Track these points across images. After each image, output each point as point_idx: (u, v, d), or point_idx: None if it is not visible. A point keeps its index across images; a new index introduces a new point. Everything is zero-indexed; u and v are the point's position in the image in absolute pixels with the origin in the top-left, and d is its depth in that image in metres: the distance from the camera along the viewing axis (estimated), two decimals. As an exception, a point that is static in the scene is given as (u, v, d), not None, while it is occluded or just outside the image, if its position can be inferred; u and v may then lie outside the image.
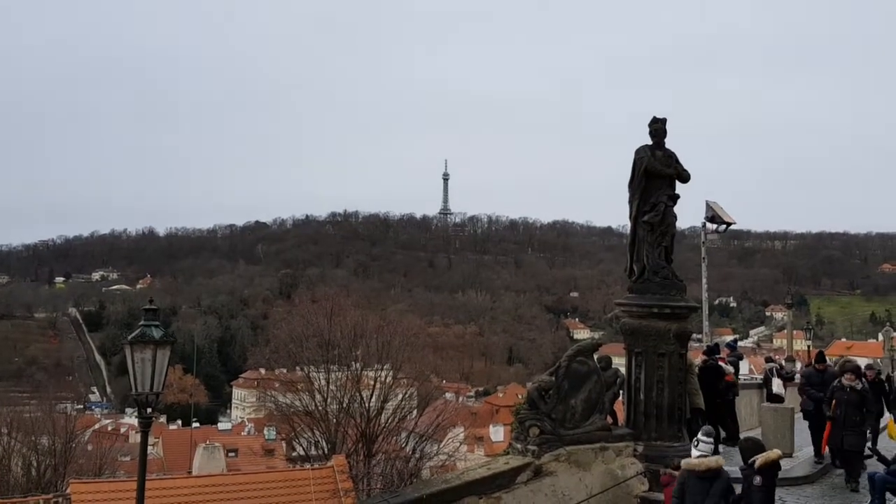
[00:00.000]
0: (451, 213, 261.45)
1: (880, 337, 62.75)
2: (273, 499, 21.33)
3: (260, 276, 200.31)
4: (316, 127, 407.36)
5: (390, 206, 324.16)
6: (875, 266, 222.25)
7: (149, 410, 11.00)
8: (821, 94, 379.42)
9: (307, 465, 28.69)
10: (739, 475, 9.13)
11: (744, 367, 30.99)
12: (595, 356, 11.67)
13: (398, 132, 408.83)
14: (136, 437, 54.46)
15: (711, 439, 9.68)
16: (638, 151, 12.29)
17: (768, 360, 25.31)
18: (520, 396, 62.04)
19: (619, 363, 12.50)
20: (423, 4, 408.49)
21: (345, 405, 34.01)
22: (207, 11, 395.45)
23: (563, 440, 10.81)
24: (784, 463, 10.37)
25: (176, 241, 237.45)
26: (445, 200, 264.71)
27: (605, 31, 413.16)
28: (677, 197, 12.37)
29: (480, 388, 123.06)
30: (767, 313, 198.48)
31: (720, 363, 16.34)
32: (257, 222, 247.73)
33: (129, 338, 10.88)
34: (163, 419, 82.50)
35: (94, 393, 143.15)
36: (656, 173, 12.12)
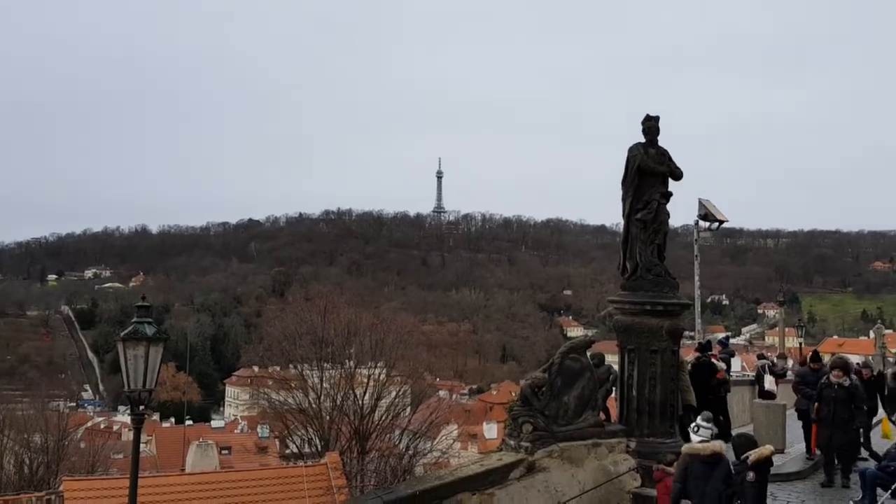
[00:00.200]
0: (444, 212, 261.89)
1: (871, 334, 63.13)
2: (266, 496, 21.33)
3: (253, 273, 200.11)
4: (310, 125, 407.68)
5: (384, 205, 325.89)
6: (866, 264, 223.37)
7: (141, 408, 10.98)
8: (815, 94, 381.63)
9: (300, 463, 28.68)
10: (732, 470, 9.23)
11: (736, 364, 31.14)
12: (588, 353, 11.70)
13: (392, 131, 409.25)
14: (128, 435, 54.19)
15: (711, 424, 9.81)
16: (631, 149, 12.33)
17: (760, 357, 25.36)
18: (513, 394, 62.17)
19: (613, 360, 12.53)
20: (422, 4, 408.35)
21: (338, 403, 34.01)
22: (207, 10, 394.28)
23: (556, 437, 10.84)
24: (776, 459, 10.42)
25: (169, 238, 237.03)
26: (439, 198, 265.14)
27: (605, 32, 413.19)
28: (670, 195, 12.42)
29: (474, 386, 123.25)
30: (759, 311, 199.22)
31: (713, 360, 16.43)
32: (250, 220, 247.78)
33: (122, 335, 10.86)
34: (156, 417, 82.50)
35: (86, 391, 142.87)
36: (649, 171, 12.16)
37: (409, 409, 38.26)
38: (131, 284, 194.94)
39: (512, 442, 10.94)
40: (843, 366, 13.91)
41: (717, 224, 24.84)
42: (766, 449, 9.12)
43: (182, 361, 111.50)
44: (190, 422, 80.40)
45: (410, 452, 34.44)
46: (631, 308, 12.05)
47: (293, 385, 35.81)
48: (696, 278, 26.56)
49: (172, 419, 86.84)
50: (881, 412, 15.71)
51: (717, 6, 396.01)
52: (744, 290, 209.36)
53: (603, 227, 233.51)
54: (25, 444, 35.35)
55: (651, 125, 12.36)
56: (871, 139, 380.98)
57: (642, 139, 12.39)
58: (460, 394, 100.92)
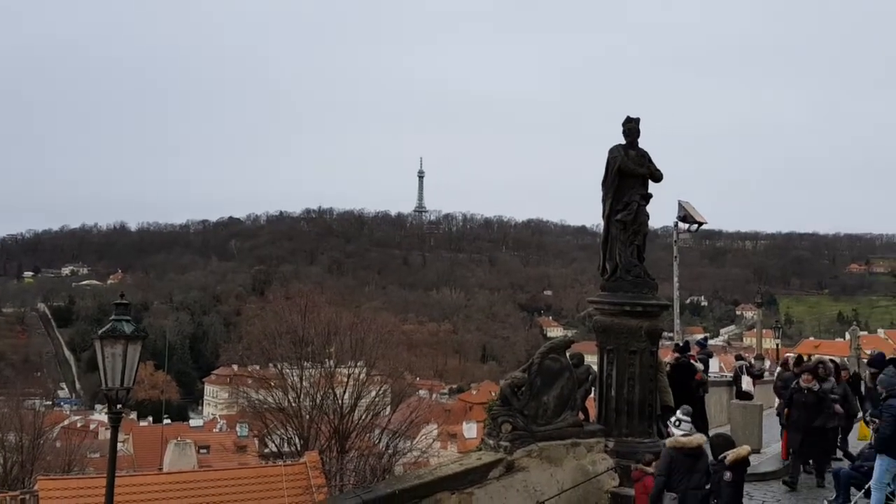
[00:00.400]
0: (425, 211, 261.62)
1: (847, 336, 63.83)
2: (245, 495, 21.28)
3: (233, 272, 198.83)
4: (291, 123, 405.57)
5: (365, 204, 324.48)
6: (843, 266, 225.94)
7: (119, 406, 10.92)
8: (793, 97, 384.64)
9: (280, 462, 28.58)
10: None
11: (714, 364, 31.40)
12: (567, 353, 11.76)
13: (373, 129, 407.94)
14: (105, 434, 53.81)
15: (690, 418, 10.02)
16: (611, 151, 12.39)
17: (738, 358, 25.61)
18: (493, 394, 62.21)
19: (592, 360, 12.60)
20: (402, 3, 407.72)
21: (318, 402, 33.93)
22: (193, 6, 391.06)
23: (536, 436, 10.89)
24: (752, 459, 10.54)
25: (147, 236, 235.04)
26: (420, 198, 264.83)
27: (596, 32, 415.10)
28: (650, 196, 12.49)
29: (454, 386, 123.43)
30: (738, 312, 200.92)
31: (691, 361, 16.57)
32: (230, 218, 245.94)
33: (100, 332, 10.80)
34: (133, 415, 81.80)
35: (62, 389, 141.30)
36: (629, 172, 12.23)
37: (388, 409, 38.26)
38: (109, 282, 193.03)
39: (491, 441, 10.97)
40: (813, 370, 14.08)
41: (696, 226, 25.05)
42: (743, 449, 9.23)
43: (160, 360, 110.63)
44: (168, 420, 79.86)
45: (390, 452, 34.42)
46: (610, 309, 12.12)
47: (273, 384, 35.69)
48: (676, 279, 26.76)
49: (150, 418, 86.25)
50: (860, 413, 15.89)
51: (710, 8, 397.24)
52: (722, 292, 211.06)
53: (583, 227, 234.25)
54: (0, 443, 34.93)
55: (631, 127, 12.44)
56: (841, 142, 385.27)
57: (622, 140, 12.47)
58: (440, 393, 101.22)
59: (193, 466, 41.12)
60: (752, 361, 26.92)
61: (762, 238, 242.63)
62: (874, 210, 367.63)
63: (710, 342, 49.39)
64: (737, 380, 21.59)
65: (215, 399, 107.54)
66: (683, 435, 9.62)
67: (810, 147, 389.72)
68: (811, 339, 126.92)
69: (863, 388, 16.07)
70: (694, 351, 18.53)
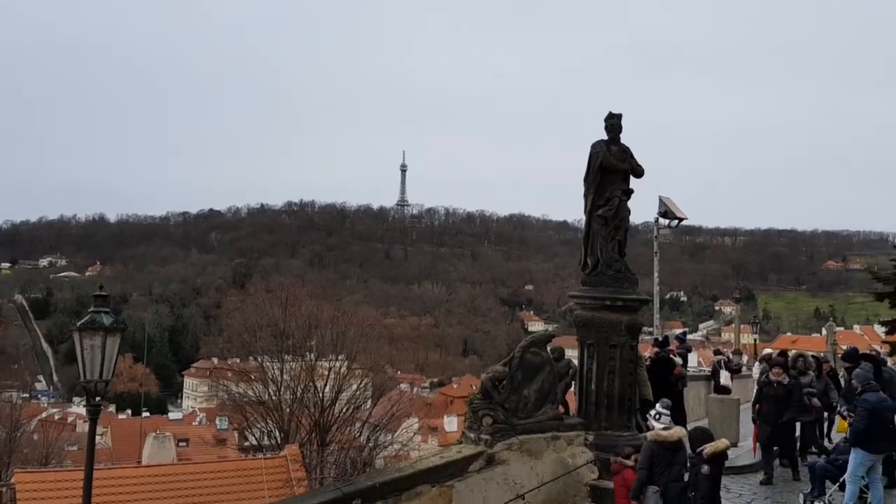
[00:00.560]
0: (408, 205, 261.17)
1: (824, 331, 64.58)
2: (225, 488, 21.20)
3: (213, 264, 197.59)
4: (273, 115, 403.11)
5: (347, 197, 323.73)
6: (820, 263, 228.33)
7: (97, 399, 10.87)
8: (773, 96, 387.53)
9: (260, 455, 28.52)
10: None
11: (692, 359, 31.66)
12: (548, 347, 11.82)
13: (357, 123, 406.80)
14: (83, 427, 53.48)
15: (669, 411, 10.20)
16: (594, 146, 12.44)
17: (717, 352, 25.87)
18: (474, 387, 62.36)
19: (573, 354, 12.67)
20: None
21: (299, 395, 33.85)
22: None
23: (516, 429, 10.94)
24: (730, 452, 10.66)
25: (127, 227, 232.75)
26: (403, 192, 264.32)
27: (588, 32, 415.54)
28: (631, 192, 12.55)
29: (435, 380, 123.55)
30: (716, 307, 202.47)
31: (670, 355, 16.71)
32: (211, 210, 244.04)
33: (79, 324, 10.74)
34: (112, 408, 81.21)
35: (40, 381, 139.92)
36: (611, 168, 12.28)
37: (369, 402, 38.24)
38: (88, 274, 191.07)
39: (472, 435, 11.01)
40: (783, 364, 14.25)
41: (676, 221, 25.22)
42: (721, 443, 9.33)
43: (139, 352, 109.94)
44: (147, 413, 79.51)
45: (371, 445, 34.44)
46: (591, 303, 12.19)
47: (253, 377, 35.55)
48: (656, 275, 26.94)
49: (129, 411, 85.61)
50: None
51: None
52: (701, 287, 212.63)
53: (565, 223, 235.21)
54: (-24, 435, 34.60)
55: (614, 122, 12.49)
56: (819, 140, 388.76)
57: (605, 136, 12.53)
58: (421, 387, 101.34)
59: (173, 459, 40.83)
60: (730, 356, 27.24)
61: (741, 234, 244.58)
62: (851, 207, 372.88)
63: (689, 337, 49.75)
64: (715, 374, 21.81)
65: (195, 392, 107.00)
66: (664, 428, 9.76)
67: (791, 145, 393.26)
68: (788, 334, 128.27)
69: (842, 383, 16.29)
70: (673, 345, 18.66)
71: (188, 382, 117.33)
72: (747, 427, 16.20)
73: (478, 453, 10.57)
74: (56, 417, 67.24)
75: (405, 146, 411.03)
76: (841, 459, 11.54)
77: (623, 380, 11.97)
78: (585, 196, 12.49)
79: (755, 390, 14.80)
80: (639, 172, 12.52)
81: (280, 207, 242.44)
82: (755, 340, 57.31)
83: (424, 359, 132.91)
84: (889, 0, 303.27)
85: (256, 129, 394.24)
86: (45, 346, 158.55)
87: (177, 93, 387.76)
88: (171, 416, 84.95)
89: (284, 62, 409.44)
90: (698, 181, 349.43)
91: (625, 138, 12.57)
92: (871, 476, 10.98)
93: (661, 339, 19.03)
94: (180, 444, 51.47)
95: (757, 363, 20.74)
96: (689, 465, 9.37)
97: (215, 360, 50.17)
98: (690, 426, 11.51)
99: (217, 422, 58.03)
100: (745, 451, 15.29)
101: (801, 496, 12.00)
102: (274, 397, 33.95)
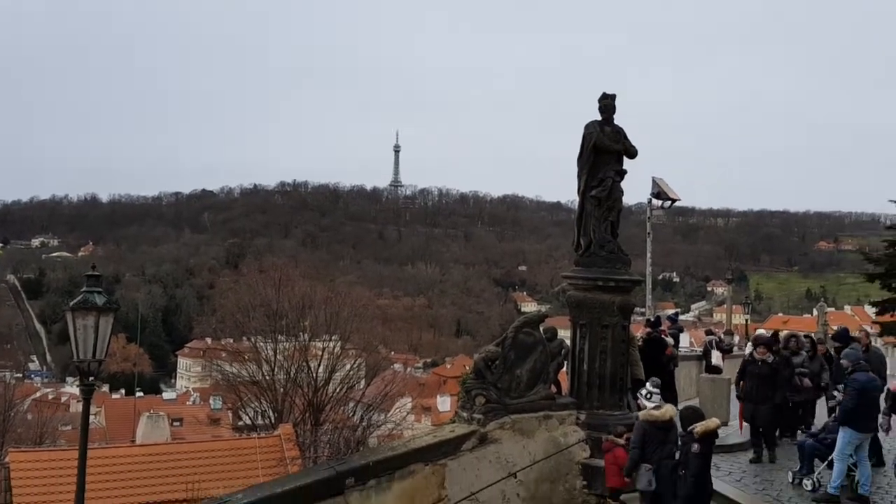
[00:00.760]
0: (401, 186, 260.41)
1: (815, 312, 65.02)
2: (219, 467, 21.30)
3: (206, 245, 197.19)
4: (266, 94, 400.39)
5: (340, 177, 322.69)
6: (812, 244, 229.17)
7: (91, 378, 10.87)
8: (764, 76, 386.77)
9: (254, 435, 28.64)
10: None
11: (684, 339, 31.84)
12: (541, 328, 11.85)
13: (350, 103, 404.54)
14: (77, 406, 53.51)
15: (659, 389, 10.44)
16: (587, 126, 12.39)
17: (708, 332, 25.97)
18: (467, 368, 62.57)
19: (565, 335, 12.71)
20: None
21: (292, 375, 33.97)
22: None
23: (508, 409, 11.00)
24: (720, 431, 10.76)
25: (119, 207, 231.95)
26: (396, 172, 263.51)
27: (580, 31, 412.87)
28: (625, 172, 12.52)
29: (428, 360, 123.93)
30: (709, 288, 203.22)
31: (662, 336, 16.78)
32: (204, 190, 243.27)
33: (72, 304, 10.72)
34: (105, 388, 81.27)
35: (33, 361, 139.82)
36: (605, 149, 12.25)
37: (363, 382, 38.40)
38: (80, 254, 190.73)
39: (465, 414, 11.07)
40: (768, 343, 14.34)
41: (669, 202, 25.22)
42: (712, 422, 9.41)
43: (133, 333, 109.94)
44: (140, 393, 79.65)
45: (364, 424, 34.63)
46: (584, 284, 12.21)
47: (247, 357, 35.64)
48: (648, 255, 26.99)
49: (122, 391, 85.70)
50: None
51: None
52: (694, 268, 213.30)
53: (559, 203, 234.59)
54: (-31, 415, 34.64)
55: (607, 103, 12.43)
56: (812, 121, 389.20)
57: (598, 117, 12.49)
58: (415, 367, 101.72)
59: (167, 439, 41.07)
60: (722, 336, 27.35)
61: (734, 215, 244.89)
62: (843, 189, 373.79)
63: (681, 317, 49.82)
64: (706, 354, 21.88)
65: (188, 372, 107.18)
66: (655, 407, 9.89)
67: (784, 126, 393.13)
68: (780, 314, 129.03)
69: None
70: (665, 326, 18.68)
71: (182, 363, 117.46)
72: (738, 406, 16.33)
73: (470, 432, 10.64)
74: (50, 397, 67.41)
75: (399, 127, 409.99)
76: (829, 438, 11.66)
77: (615, 360, 12.03)
78: (579, 177, 12.46)
79: (738, 369, 14.91)
80: (632, 153, 12.50)
81: (273, 188, 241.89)
82: (747, 321, 57.73)
83: (418, 339, 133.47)
84: (889, 0, 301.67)
85: (249, 108, 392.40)
86: (38, 326, 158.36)
87: (170, 72, 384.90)
88: (165, 395, 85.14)
89: (279, 43, 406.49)
90: (692, 162, 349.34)
91: (618, 119, 12.56)
92: (859, 454, 11.11)
93: (653, 319, 19.09)
94: (174, 423, 51.67)
95: (749, 343, 20.83)
96: (680, 443, 9.47)
97: (209, 341, 50.31)
98: (681, 405, 11.61)
99: (211, 401, 58.14)
100: (735, 430, 15.43)
101: (790, 474, 12.14)
102: (267, 377, 34.06)
